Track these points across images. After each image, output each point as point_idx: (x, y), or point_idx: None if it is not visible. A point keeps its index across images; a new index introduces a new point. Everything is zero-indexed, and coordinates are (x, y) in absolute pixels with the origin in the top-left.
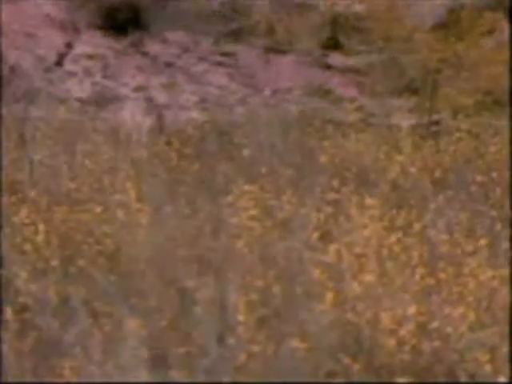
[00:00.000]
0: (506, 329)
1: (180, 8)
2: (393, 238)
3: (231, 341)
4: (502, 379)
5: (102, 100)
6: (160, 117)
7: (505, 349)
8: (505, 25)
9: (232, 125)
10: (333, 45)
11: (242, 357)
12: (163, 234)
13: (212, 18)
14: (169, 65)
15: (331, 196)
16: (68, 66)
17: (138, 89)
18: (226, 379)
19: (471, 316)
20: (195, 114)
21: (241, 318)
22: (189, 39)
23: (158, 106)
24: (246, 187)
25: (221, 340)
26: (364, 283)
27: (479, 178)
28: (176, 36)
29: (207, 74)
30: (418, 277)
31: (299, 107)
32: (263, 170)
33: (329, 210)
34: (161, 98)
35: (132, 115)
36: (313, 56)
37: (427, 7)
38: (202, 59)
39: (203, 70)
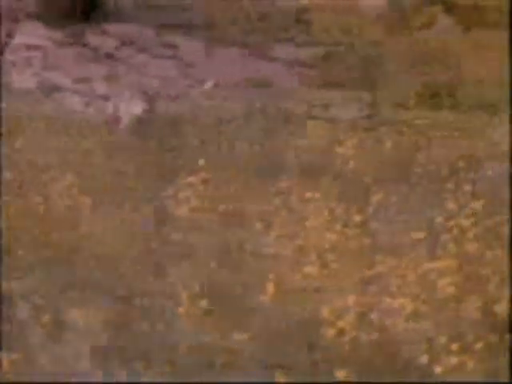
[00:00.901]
0: (443, 319)
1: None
2: (334, 230)
3: (174, 332)
4: (439, 370)
5: (43, 91)
6: (151, 106)
7: (442, 340)
8: (443, 18)
9: (174, 117)
10: (277, 37)
11: (184, 349)
12: (105, 225)
13: (153, 9)
14: (109, 56)
15: (274, 188)
16: (8, 56)
17: (78, 80)
18: (167, 372)
19: (410, 307)
20: (137, 106)
21: (183, 309)
22: (129, 30)
23: (149, 96)
24: (189, 179)
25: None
26: (305, 275)
27: (420, 171)
28: (116, 27)
29: (148, 65)
30: (358, 268)
31: (242, 99)
32: (207, 162)
33: (272, 201)
34: (101, 89)
35: (125, 104)
36: (256, 48)
37: (369, 0)
38: (143, 50)
39: (144, 62)
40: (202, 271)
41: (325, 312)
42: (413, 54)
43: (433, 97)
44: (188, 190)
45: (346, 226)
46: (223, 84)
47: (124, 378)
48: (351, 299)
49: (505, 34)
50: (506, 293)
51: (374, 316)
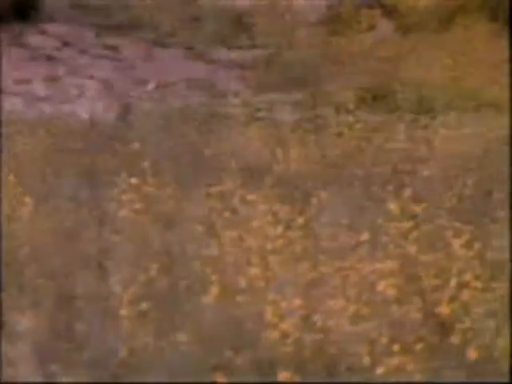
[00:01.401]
0: (385, 321)
1: (60, 0)
2: (277, 232)
3: (113, 335)
4: (380, 371)
5: None
6: (127, 107)
7: (383, 341)
8: (383, 22)
9: (116, 118)
10: (216, 39)
11: (124, 351)
12: (46, 227)
13: (91, 9)
14: (50, 58)
15: (216, 190)
16: None
17: (19, 81)
18: (107, 374)
19: (352, 309)
20: (78, 108)
21: (123, 311)
22: (70, 32)
23: (122, 96)
24: (130, 181)
25: (102, 333)
26: (248, 277)
27: (361, 173)
28: (56, 28)
29: (89, 67)
30: (301, 270)
31: (183, 101)
32: (147, 164)
33: (213, 203)
34: (42, 91)
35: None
36: (196, 50)
37: (309, 3)
38: (83, 52)
39: (85, 63)
40: (144, 274)
41: (268, 314)
42: (353, 58)
43: (373, 100)
44: (129, 193)
45: (288, 228)
46: (165, 85)
47: (64, 379)
48: (294, 301)
49: (443, 38)
50: (445, 295)
51: (316, 318)
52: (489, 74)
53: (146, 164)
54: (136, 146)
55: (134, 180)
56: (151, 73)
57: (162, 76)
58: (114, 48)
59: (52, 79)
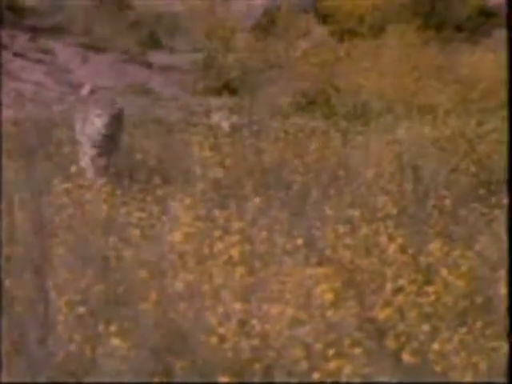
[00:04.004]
0: (321, 326)
1: None
2: (214, 237)
3: (50, 340)
4: (317, 375)
5: None
6: (116, 115)
7: (320, 346)
8: (317, 27)
9: (50, 122)
10: (152, 43)
11: (61, 356)
12: None
13: (27, 13)
14: None
15: (152, 194)
16: None
17: None
18: (42, 379)
19: (289, 314)
20: (12, 112)
21: (61, 317)
22: (3, 34)
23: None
24: (65, 185)
25: (40, 339)
26: (186, 281)
27: (298, 178)
28: None
29: (24, 70)
30: (238, 275)
31: (119, 105)
32: (81, 169)
33: (150, 208)
34: None
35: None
36: (132, 54)
37: (245, 8)
38: (18, 55)
39: (19, 67)
40: (81, 279)
41: (206, 319)
42: (289, 62)
43: (309, 105)
44: (64, 197)
45: (226, 232)
46: (100, 90)
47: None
48: (232, 306)
49: (376, 44)
50: (381, 299)
51: (254, 322)
52: (422, 79)
53: (81, 168)
54: (69, 149)
55: (68, 184)
56: (87, 77)
57: (96, 80)
58: (49, 52)
59: None
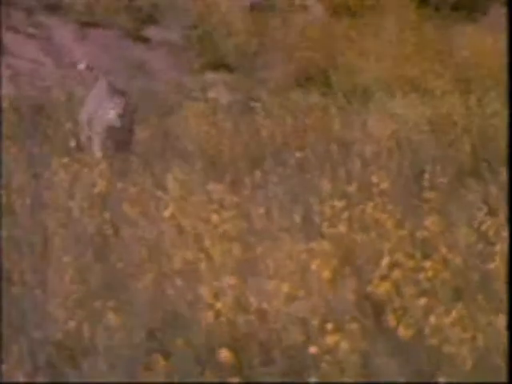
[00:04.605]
0: (319, 301)
1: None
2: (210, 213)
3: (49, 320)
4: (313, 350)
5: None
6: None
7: (317, 321)
8: (315, 4)
9: (46, 100)
10: (149, 20)
11: (59, 335)
12: None
13: None
14: None
15: (148, 170)
16: None
17: None
18: (42, 359)
19: (286, 290)
20: (8, 89)
21: (59, 296)
22: (1, 12)
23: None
24: (63, 161)
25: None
26: (183, 258)
27: (296, 154)
28: None
29: (20, 47)
30: (234, 251)
31: (116, 82)
32: (80, 146)
33: (146, 183)
34: None
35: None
36: (129, 31)
37: None
38: (14, 31)
39: (16, 43)
40: (79, 259)
41: (203, 295)
42: (286, 40)
43: (307, 81)
44: (62, 174)
45: (222, 208)
46: (96, 66)
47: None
48: (228, 282)
49: (373, 22)
50: (378, 274)
51: (251, 298)
52: (419, 59)
53: (78, 145)
54: (68, 126)
55: (66, 161)
56: (83, 53)
57: (94, 57)
58: (45, 28)
59: None
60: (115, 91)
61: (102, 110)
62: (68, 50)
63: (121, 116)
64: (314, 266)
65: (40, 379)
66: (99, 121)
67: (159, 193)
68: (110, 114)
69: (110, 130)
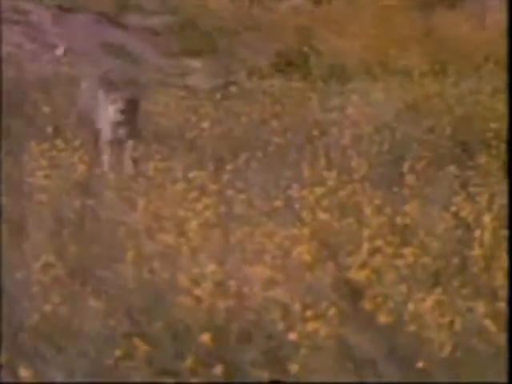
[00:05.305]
0: (298, 287)
1: None
2: (191, 198)
3: (26, 302)
4: (293, 336)
5: None
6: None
7: (297, 307)
8: None
9: (26, 83)
10: (128, 5)
11: (36, 317)
12: None
13: None
14: None
15: (130, 155)
16: None
17: None
18: (19, 340)
19: (266, 275)
20: None
21: (36, 278)
22: None
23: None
24: (41, 146)
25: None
26: (162, 243)
27: (276, 139)
28: None
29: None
30: (215, 236)
31: (95, 66)
32: (58, 129)
33: (126, 170)
34: None
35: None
36: (107, 16)
37: None
38: None
39: None
40: (57, 241)
41: (182, 280)
42: (266, 25)
43: (287, 66)
44: (40, 158)
45: (202, 194)
46: (75, 50)
47: None
48: (208, 267)
49: (353, 8)
50: (357, 260)
51: (231, 284)
52: (398, 42)
53: (57, 129)
54: (46, 110)
55: (45, 145)
56: (62, 37)
57: (72, 41)
58: (25, 12)
59: None
60: (109, 84)
61: (100, 107)
62: (47, 33)
63: (122, 111)
64: (294, 252)
65: (18, 363)
66: (102, 117)
67: (140, 179)
68: (110, 110)
69: (115, 125)
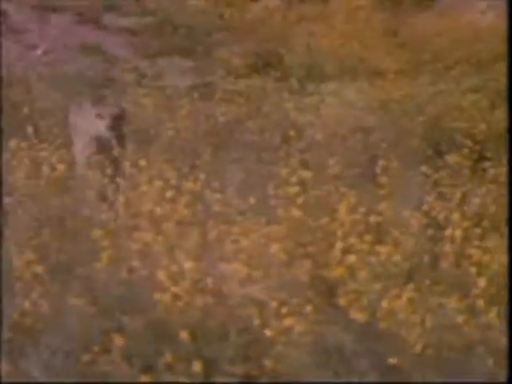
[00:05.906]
0: (274, 284)
1: None
2: (167, 198)
3: (6, 298)
4: (269, 333)
5: None
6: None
7: (273, 304)
8: None
9: (5, 83)
10: (107, 5)
11: (16, 314)
12: None
13: None
14: None
15: (107, 156)
16: None
17: None
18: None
19: (243, 272)
20: None
21: (17, 275)
22: None
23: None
24: (22, 145)
25: None
26: (140, 242)
27: (252, 139)
28: None
29: None
30: (191, 235)
31: (73, 66)
32: (39, 128)
33: (106, 169)
34: None
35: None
36: (86, 16)
37: None
38: None
39: None
40: (37, 238)
41: (160, 278)
42: (242, 26)
43: (262, 67)
44: (20, 157)
45: (179, 193)
46: (55, 51)
47: None
48: (186, 265)
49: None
50: (332, 258)
51: (208, 281)
52: (371, 43)
53: (38, 128)
54: (27, 109)
55: (25, 144)
56: (41, 37)
57: (51, 41)
58: (3, 13)
59: None
60: (96, 97)
61: (84, 118)
62: (25, 34)
63: (111, 128)
64: (269, 249)
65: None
66: (83, 128)
67: (117, 179)
68: (98, 124)
69: (98, 140)
